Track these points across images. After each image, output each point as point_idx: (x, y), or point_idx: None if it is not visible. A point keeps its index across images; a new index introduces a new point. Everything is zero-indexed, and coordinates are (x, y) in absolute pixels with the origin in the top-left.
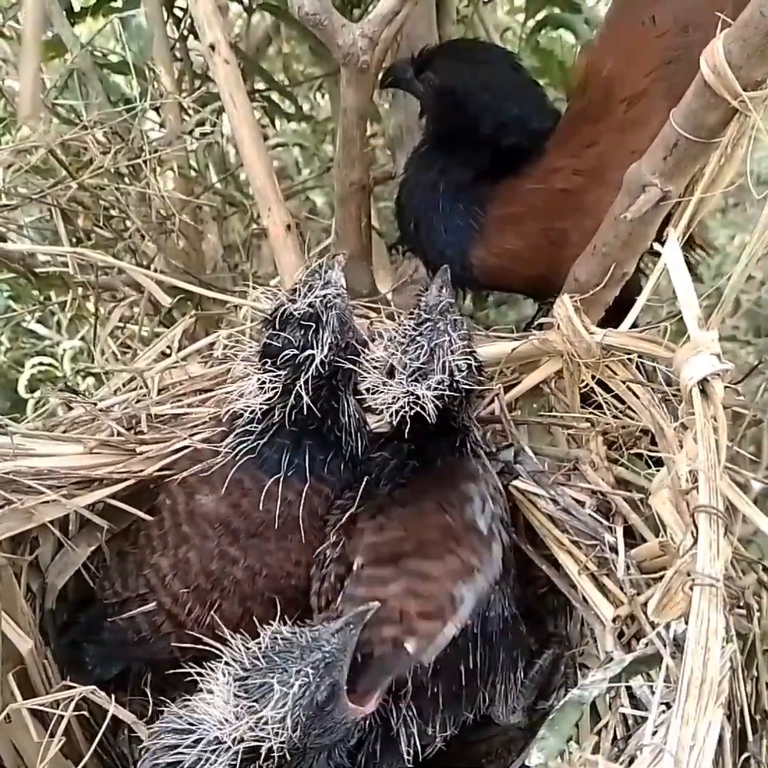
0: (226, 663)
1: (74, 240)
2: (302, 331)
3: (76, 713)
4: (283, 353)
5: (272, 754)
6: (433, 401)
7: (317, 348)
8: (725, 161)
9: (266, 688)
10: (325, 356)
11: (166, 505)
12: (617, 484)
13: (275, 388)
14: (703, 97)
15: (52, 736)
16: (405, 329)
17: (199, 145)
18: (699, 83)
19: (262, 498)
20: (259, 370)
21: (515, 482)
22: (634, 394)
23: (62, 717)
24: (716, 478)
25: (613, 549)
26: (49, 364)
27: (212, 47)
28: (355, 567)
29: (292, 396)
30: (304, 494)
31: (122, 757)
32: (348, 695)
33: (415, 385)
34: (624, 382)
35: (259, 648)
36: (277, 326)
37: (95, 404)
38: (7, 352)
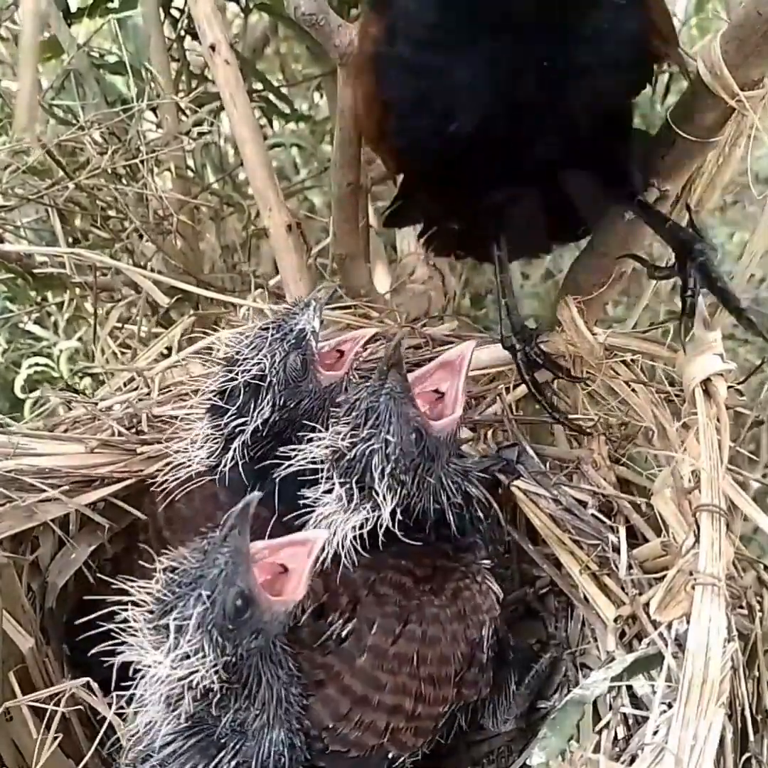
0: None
1: (72, 240)
2: (241, 398)
3: (74, 708)
4: (224, 416)
5: (212, 682)
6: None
7: (254, 416)
8: (723, 161)
9: (169, 627)
10: (264, 421)
11: (148, 510)
12: (619, 484)
13: (217, 442)
14: (700, 96)
15: (49, 731)
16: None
17: (196, 146)
18: (696, 82)
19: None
20: (207, 423)
21: (517, 482)
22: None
23: (57, 713)
24: (719, 478)
25: (615, 549)
26: (46, 365)
27: (212, 48)
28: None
29: (232, 452)
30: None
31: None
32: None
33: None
34: (627, 383)
35: (159, 588)
36: (218, 392)
37: (96, 404)
38: (4, 353)
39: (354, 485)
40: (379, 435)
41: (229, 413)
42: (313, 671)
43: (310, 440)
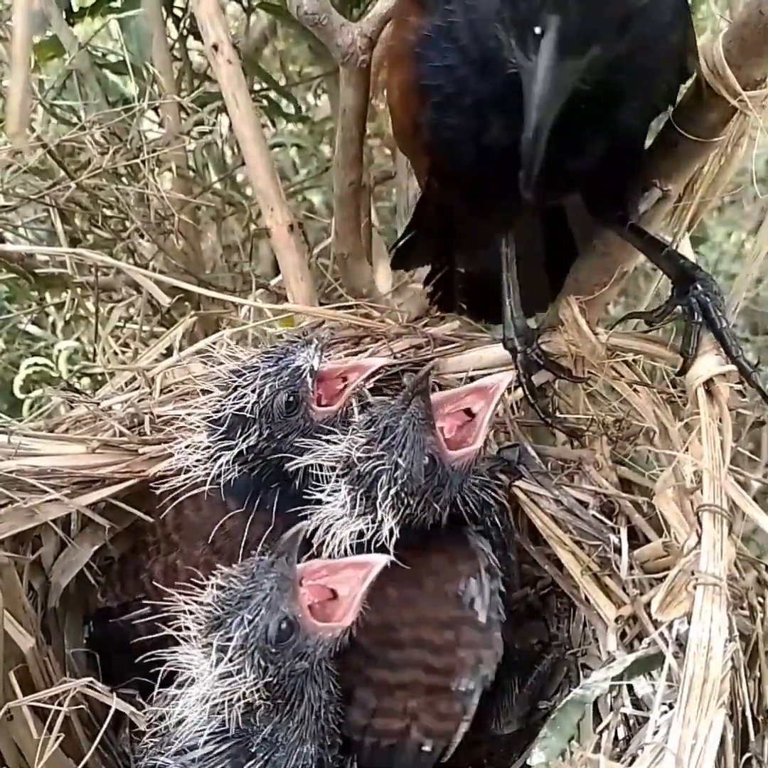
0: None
1: (72, 240)
2: (231, 421)
3: (75, 708)
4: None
5: (253, 700)
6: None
7: (239, 442)
8: (725, 161)
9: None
10: (250, 447)
11: (158, 517)
12: (621, 484)
13: (211, 452)
14: (702, 96)
15: (50, 731)
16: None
17: (197, 145)
18: (698, 83)
19: (247, 521)
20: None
21: (518, 483)
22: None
23: (59, 713)
24: (721, 478)
25: (617, 549)
26: (44, 365)
27: (215, 47)
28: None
29: (218, 468)
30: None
31: (123, 756)
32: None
33: (353, 515)
34: (630, 384)
35: (205, 607)
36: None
37: (98, 404)
38: (3, 353)
39: (359, 495)
40: (391, 456)
41: (217, 434)
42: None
43: (327, 441)
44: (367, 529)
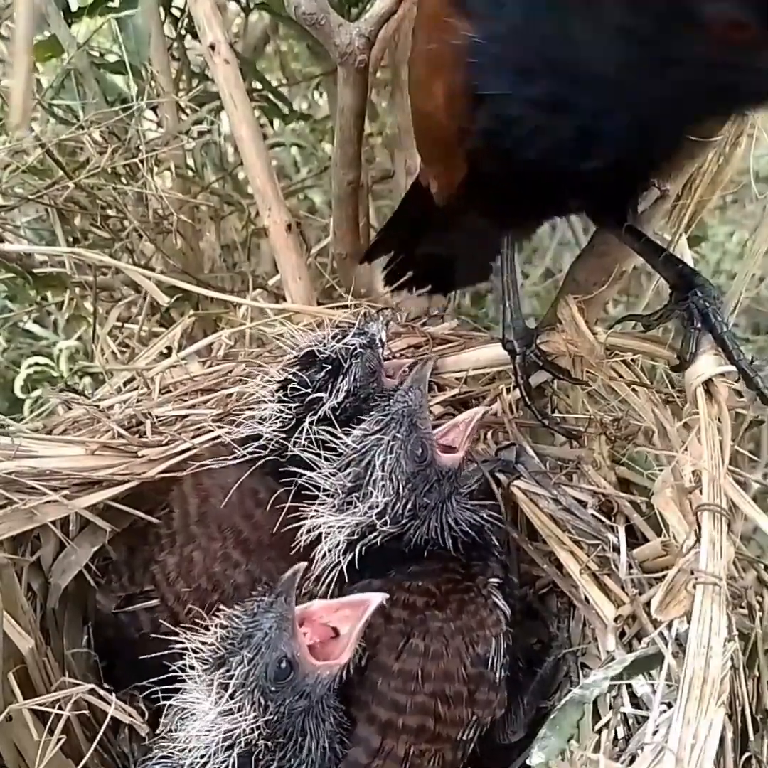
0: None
1: (71, 240)
2: (323, 374)
3: (77, 713)
4: (298, 391)
5: (253, 738)
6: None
7: (331, 394)
8: (724, 160)
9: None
10: (340, 402)
11: (179, 504)
12: (619, 484)
13: (287, 420)
14: None
15: (51, 734)
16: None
17: (196, 145)
18: None
19: (269, 509)
20: (276, 400)
21: (517, 482)
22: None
23: (61, 716)
24: (720, 478)
25: (616, 549)
26: (45, 365)
27: (212, 47)
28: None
29: (305, 425)
30: None
31: (122, 756)
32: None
33: (346, 510)
34: (628, 384)
35: (209, 647)
36: (300, 366)
37: (97, 406)
38: (4, 352)
39: (353, 478)
40: (388, 431)
41: (311, 385)
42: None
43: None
44: (360, 524)
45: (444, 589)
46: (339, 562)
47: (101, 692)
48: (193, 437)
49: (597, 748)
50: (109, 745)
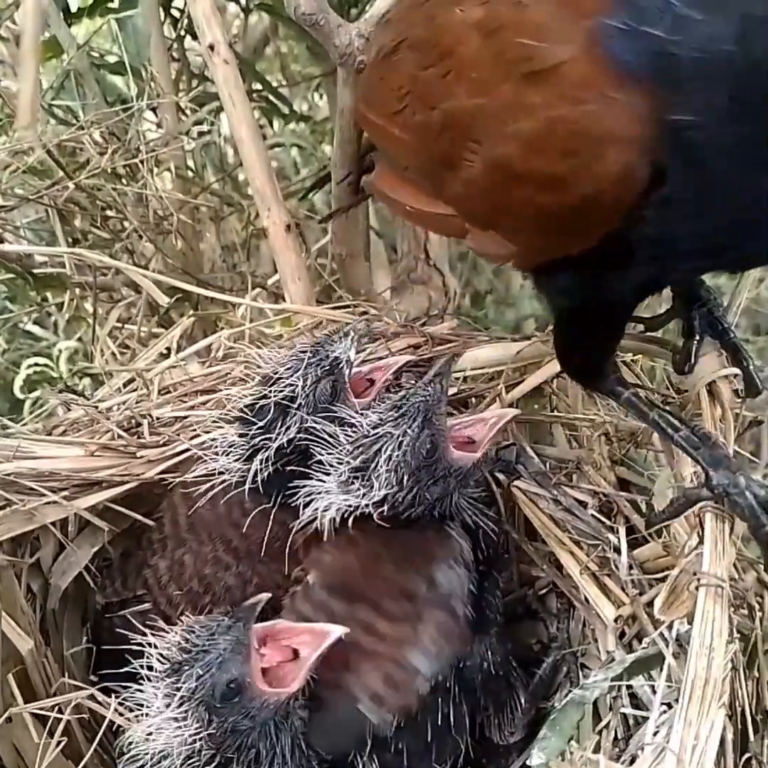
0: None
1: (71, 240)
2: (273, 413)
3: (78, 716)
4: (251, 429)
5: (194, 748)
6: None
7: (281, 434)
8: None
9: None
10: (289, 440)
11: (168, 514)
12: (619, 484)
13: (243, 451)
14: None
15: (51, 736)
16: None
17: (196, 145)
18: None
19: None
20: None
21: (517, 482)
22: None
23: (60, 720)
24: None
25: (616, 549)
26: (45, 365)
27: (211, 47)
28: (310, 580)
29: (255, 464)
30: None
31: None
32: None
33: (349, 490)
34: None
35: (171, 646)
36: (251, 404)
37: (97, 407)
38: (4, 353)
39: (357, 465)
40: (398, 428)
41: (257, 427)
42: None
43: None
44: (356, 506)
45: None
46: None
47: (99, 697)
48: (192, 438)
49: (597, 749)
50: (108, 746)
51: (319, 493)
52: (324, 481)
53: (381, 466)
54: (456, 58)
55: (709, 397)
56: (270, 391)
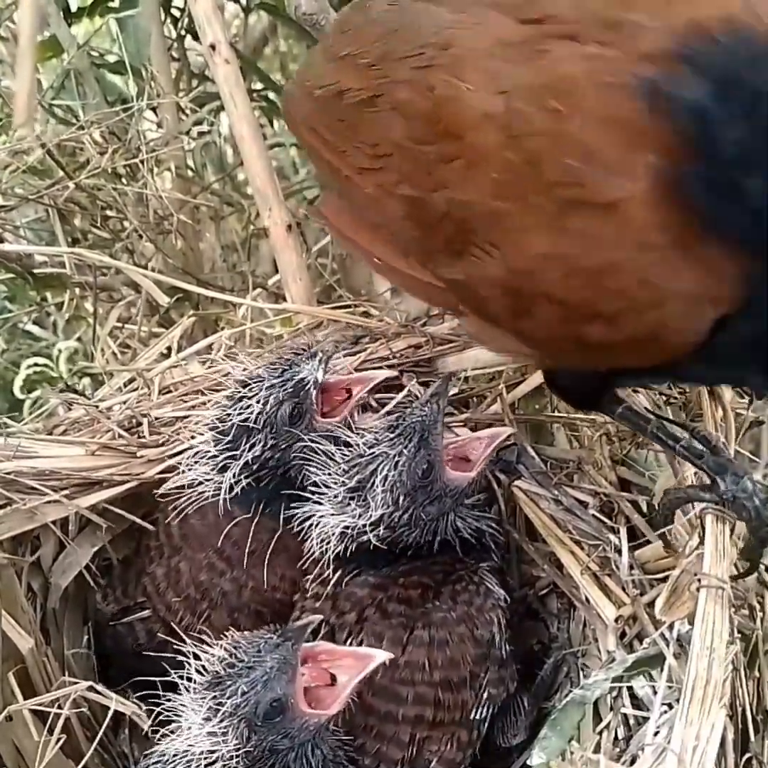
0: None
1: (71, 240)
2: (236, 433)
3: (76, 711)
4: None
5: (231, 764)
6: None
7: (244, 452)
8: None
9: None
10: (255, 457)
11: (162, 524)
12: (620, 484)
13: (217, 462)
14: None
15: (51, 733)
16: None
17: (196, 145)
18: None
19: (251, 528)
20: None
21: (518, 482)
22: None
23: (60, 716)
24: None
25: (617, 549)
26: (45, 365)
27: (212, 47)
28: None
29: (226, 480)
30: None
31: (122, 756)
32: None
33: (345, 511)
34: None
35: (214, 660)
36: (222, 421)
37: (97, 406)
38: (4, 353)
39: (352, 485)
40: (396, 445)
41: (222, 445)
42: None
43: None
44: (353, 526)
45: (437, 580)
46: (327, 551)
47: (100, 689)
48: (192, 438)
49: (597, 749)
50: (109, 744)
51: (315, 513)
52: (321, 503)
53: (377, 486)
54: (469, 148)
55: (710, 398)
56: (233, 411)
